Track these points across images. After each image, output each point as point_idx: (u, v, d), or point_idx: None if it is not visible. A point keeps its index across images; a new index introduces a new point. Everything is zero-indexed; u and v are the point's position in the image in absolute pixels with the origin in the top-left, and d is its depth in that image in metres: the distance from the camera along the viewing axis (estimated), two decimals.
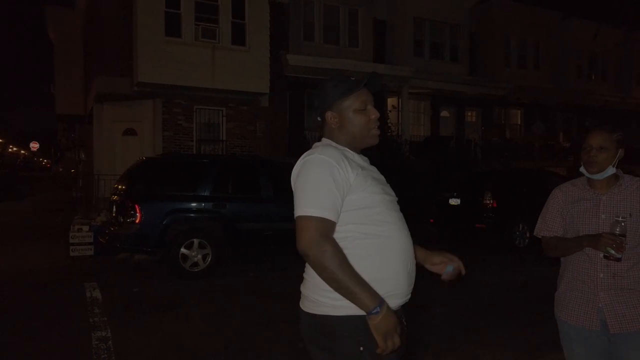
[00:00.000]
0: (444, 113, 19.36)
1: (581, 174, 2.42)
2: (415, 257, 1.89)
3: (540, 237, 2.56)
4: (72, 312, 5.55)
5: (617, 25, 24.10)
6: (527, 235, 9.77)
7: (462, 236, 10.40)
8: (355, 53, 16.44)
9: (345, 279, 1.61)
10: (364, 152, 1.96)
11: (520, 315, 5.47)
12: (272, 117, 14.54)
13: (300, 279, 1.87)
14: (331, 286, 1.65)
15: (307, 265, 1.77)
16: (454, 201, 10.48)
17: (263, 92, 13.66)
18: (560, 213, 2.46)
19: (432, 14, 18.06)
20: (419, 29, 18.15)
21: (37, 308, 5.71)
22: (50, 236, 10.51)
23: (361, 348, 1.68)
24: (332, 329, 1.72)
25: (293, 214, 1.72)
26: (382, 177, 1.94)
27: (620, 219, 2.19)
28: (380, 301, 1.63)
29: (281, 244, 7.13)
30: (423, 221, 10.36)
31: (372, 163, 1.96)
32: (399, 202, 1.92)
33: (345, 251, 1.68)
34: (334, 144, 1.86)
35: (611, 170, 2.32)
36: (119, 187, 7.81)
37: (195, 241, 7.22)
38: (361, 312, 1.63)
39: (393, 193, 1.92)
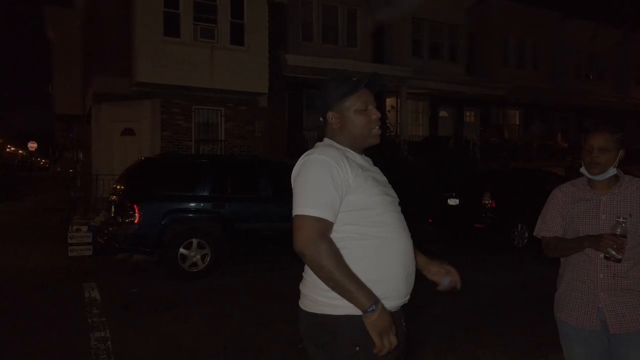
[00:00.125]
0: (443, 113, 19.36)
1: (581, 175, 2.42)
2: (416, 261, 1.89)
3: (540, 237, 2.56)
4: (71, 312, 5.54)
5: (615, 26, 24.14)
6: (526, 235, 9.77)
7: (461, 236, 10.41)
8: (354, 53, 16.44)
9: (341, 278, 1.62)
10: (365, 152, 1.96)
11: (520, 315, 5.47)
12: (271, 117, 14.52)
13: (299, 278, 1.88)
14: (328, 285, 1.66)
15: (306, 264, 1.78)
16: (453, 201, 10.49)
17: (262, 92, 13.65)
18: (560, 213, 2.46)
19: (431, 14, 18.04)
20: (417, 29, 18.17)
21: (36, 308, 5.70)
22: (50, 236, 10.48)
23: (357, 348, 1.69)
24: (330, 327, 1.73)
25: (292, 214, 1.73)
26: (384, 178, 1.94)
27: (621, 219, 2.19)
28: (376, 300, 1.64)
29: (280, 244, 7.08)
30: (423, 221, 10.36)
31: (374, 164, 1.96)
32: (399, 202, 1.92)
33: (343, 251, 1.68)
34: (335, 144, 1.87)
35: (612, 171, 2.32)
36: (118, 187, 7.79)
37: (194, 241, 7.21)
38: (359, 312, 1.64)
39: (394, 194, 1.92)
